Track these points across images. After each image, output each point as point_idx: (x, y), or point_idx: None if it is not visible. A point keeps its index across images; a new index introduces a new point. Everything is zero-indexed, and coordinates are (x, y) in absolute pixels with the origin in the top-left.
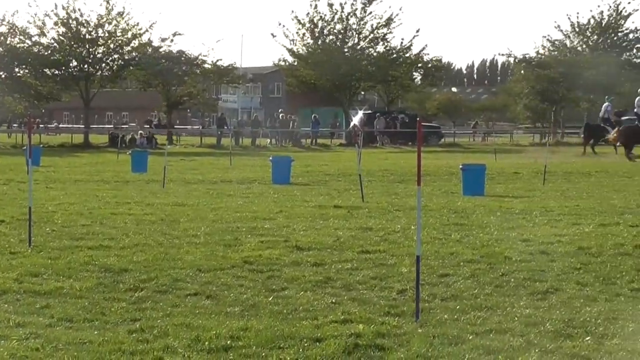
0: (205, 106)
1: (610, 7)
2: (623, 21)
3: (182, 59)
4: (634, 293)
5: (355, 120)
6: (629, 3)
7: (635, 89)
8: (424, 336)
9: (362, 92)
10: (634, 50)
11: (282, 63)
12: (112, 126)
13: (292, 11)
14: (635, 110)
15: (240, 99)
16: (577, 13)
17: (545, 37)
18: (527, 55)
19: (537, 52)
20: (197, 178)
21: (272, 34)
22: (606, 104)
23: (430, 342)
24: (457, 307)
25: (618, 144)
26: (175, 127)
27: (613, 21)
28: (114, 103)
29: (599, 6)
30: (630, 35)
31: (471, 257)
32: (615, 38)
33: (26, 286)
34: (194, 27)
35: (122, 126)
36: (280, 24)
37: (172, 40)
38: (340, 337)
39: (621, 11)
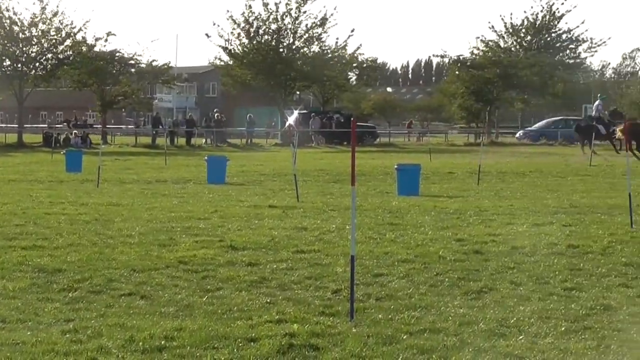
0: (140, 106)
1: (543, 8)
2: (556, 22)
3: (117, 58)
4: (566, 292)
5: (291, 120)
6: (562, 4)
7: (568, 88)
8: (359, 336)
9: (298, 92)
10: (567, 51)
11: (218, 62)
12: (46, 125)
13: (228, 11)
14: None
15: (176, 99)
16: (511, 14)
17: (478, 37)
18: (461, 56)
19: (472, 53)
20: (131, 178)
21: (206, 34)
22: (597, 102)
23: (365, 341)
24: (392, 307)
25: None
26: (109, 126)
27: (547, 22)
28: (49, 102)
29: (532, 7)
30: (564, 36)
31: (406, 257)
32: (548, 39)
33: None
34: (128, 27)
35: (57, 126)
36: (214, 24)
37: (106, 40)
38: (275, 337)
39: (554, 12)
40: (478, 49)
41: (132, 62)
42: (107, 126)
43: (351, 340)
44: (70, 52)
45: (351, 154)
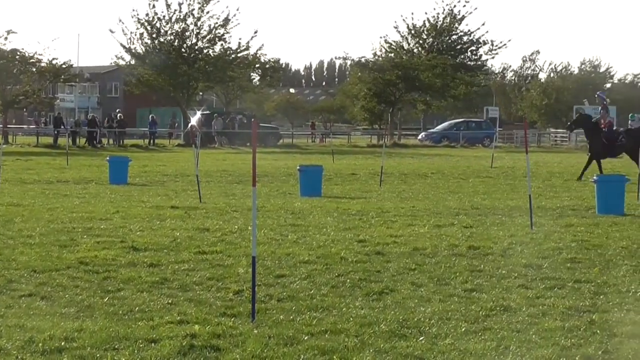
0: (41, 105)
1: (444, 9)
2: (457, 24)
3: (17, 57)
4: (467, 293)
5: (193, 120)
6: (464, 6)
7: (469, 90)
8: (260, 337)
9: (200, 93)
10: (468, 53)
11: (120, 62)
12: None
13: (133, 9)
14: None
15: (77, 99)
16: (412, 14)
17: (382, 37)
18: (363, 58)
19: (375, 54)
20: (33, 178)
21: (110, 30)
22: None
23: (266, 342)
24: (293, 308)
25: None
26: (10, 126)
27: (448, 24)
28: None
29: (434, 9)
30: (465, 38)
31: (307, 258)
32: (449, 41)
33: None
34: (29, 25)
35: None
36: (120, 21)
37: (6, 38)
38: (176, 338)
39: (455, 14)
40: (381, 50)
41: (33, 61)
42: (8, 126)
43: (252, 341)
44: None
45: (252, 154)
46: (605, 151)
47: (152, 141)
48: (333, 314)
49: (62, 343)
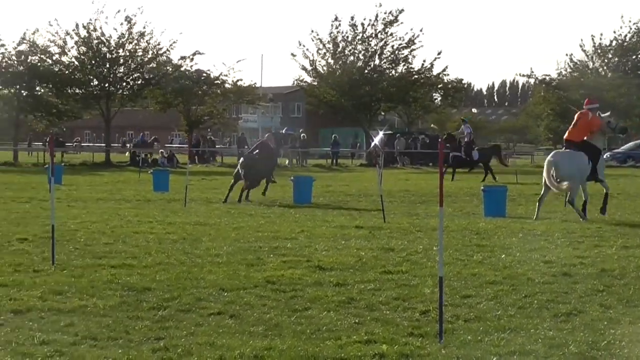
0: (225, 126)
1: (631, 29)
2: None
3: (203, 78)
4: None
5: (376, 140)
6: None
7: None
8: (448, 357)
9: (383, 113)
10: None
11: (302, 83)
12: (130, 145)
13: (312, 31)
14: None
15: (261, 119)
16: (601, 34)
17: (568, 55)
18: (547, 77)
19: (559, 73)
20: (218, 197)
21: (292, 54)
22: None
23: None
24: (480, 329)
25: None
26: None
27: (634, 43)
28: (135, 122)
29: (621, 27)
30: None
31: (493, 279)
32: (636, 60)
33: (50, 304)
34: (214, 47)
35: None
36: (300, 44)
37: (192, 59)
38: (364, 357)
39: None
40: (566, 69)
41: (218, 82)
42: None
43: None
44: (157, 72)
45: (439, 174)
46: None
47: (334, 161)
48: (521, 335)
49: None
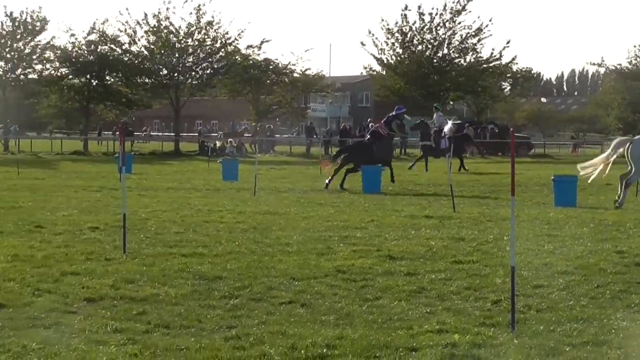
0: (294, 115)
1: None
2: None
3: (271, 67)
4: None
5: (445, 130)
6: None
7: None
8: (521, 347)
9: (451, 102)
10: None
11: (371, 71)
12: (200, 134)
13: (382, 19)
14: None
15: (329, 108)
16: None
17: (636, 46)
18: (618, 66)
19: (630, 62)
20: (287, 187)
21: (361, 43)
22: None
23: (527, 353)
24: (553, 319)
25: None
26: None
27: None
28: (204, 111)
29: None
30: None
31: (565, 269)
32: None
33: (122, 292)
34: (282, 36)
35: (212, 134)
36: (369, 33)
37: (259, 48)
38: (436, 347)
39: None
40: (636, 58)
41: (286, 71)
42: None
43: (513, 351)
44: (225, 62)
45: (511, 164)
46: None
47: (403, 150)
48: (594, 325)
49: (324, 350)
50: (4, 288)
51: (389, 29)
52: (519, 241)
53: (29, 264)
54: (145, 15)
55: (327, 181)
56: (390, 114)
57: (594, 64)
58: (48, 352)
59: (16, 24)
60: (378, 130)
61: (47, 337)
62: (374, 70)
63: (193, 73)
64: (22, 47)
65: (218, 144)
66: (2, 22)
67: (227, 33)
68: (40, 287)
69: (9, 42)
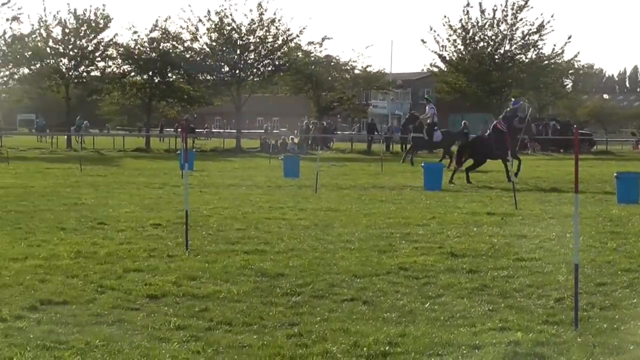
0: (355, 112)
1: None
2: None
3: (332, 64)
4: None
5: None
6: None
7: None
8: (584, 345)
9: (513, 99)
10: None
11: (433, 69)
12: (263, 131)
13: (445, 16)
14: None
15: (390, 105)
16: None
17: None
18: None
19: None
20: (348, 184)
21: (422, 40)
22: None
23: (590, 351)
24: (616, 317)
25: None
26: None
27: None
28: (265, 108)
29: None
30: None
31: (629, 266)
32: None
33: (184, 289)
34: (343, 33)
35: (273, 131)
36: (431, 29)
37: (321, 45)
38: (499, 345)
39: None
40: None
41: (347, 68)
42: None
43: (576, 349)
44: (287, 58)
45: (574, 161)
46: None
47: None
48: None
49: (387, 348)
50: (68, 285)
51: (450, 26)
52: (582, 238)
53: (92, 260)
54: (208, 12)
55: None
56: (507, 109)
57: None
58: (111, 349)
59: (80, 21)
60: (497, 126)
61: (110, 333)
62: (435, 67)
63: (254, 70)
64: (86, 45)
65: (296, 140)
66: (66, 20)
67: (288, 30)
68: (103, 284)
69: (72, 40)
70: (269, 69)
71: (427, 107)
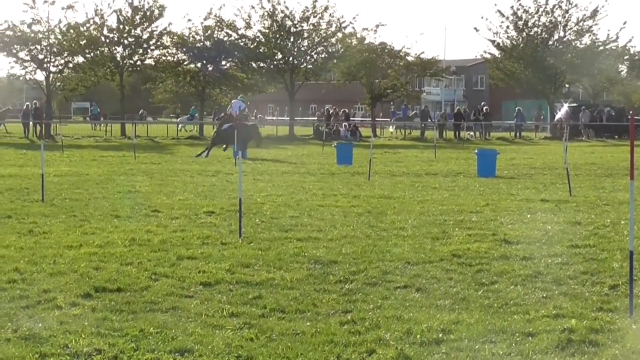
0: (408, 99)
1: None
2: None
3: (386, 51)
4: None
5: (560, 113)
6: None
7: None
8: (638, 332)
9: (567, 85)
10: None
11: (487, 56)
12: (315, 119)
13: (495, 4)
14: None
15: (444, 92)
16: None
17: None
18: None
19: None
20: (401, 171)
21: (475, 28)
22: None
23: None
24: None
25: None
26: (378, 119)
27: None
28: (318, 95)
29: None
30: None
31: None
32: None
33: (238, 277)
34: (397, 20)
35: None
36: (483, 17)
37: (375, 32)
38: (553, 332)
39: None
40: None
41: (401, 54)
42: (376, 119)
43: (631, 337)
44: (340, 45)
45: (630, 147)
46: None
47: (518, 134)
48: None
49: (440, 335)
50: (122, 272)
51: (502, 13)
52: (637, 225)
53: (146, 248)
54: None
55: None
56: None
57: None
58: (165, 336)
59: (135, 10)
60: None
61: (164, 321)
62: (489, 53)
63: (308, 57)
64: (140, 33)
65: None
66: (121, 9)
67: (342, 16)
68: (157, 271)
69: (127, 28)
70: (323, 56)
71: None
